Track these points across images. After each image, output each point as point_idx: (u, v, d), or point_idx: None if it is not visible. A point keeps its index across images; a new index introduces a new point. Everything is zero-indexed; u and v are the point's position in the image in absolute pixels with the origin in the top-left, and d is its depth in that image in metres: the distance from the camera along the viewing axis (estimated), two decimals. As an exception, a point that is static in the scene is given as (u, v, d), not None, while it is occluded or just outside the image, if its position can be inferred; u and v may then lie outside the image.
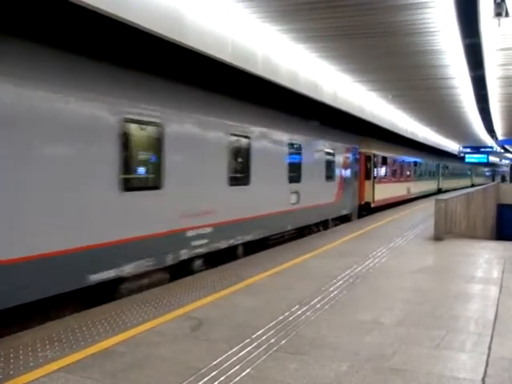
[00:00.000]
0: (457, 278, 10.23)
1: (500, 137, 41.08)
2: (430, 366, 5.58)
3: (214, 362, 5.54)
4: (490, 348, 6.17)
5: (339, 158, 20.69)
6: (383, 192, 27.82)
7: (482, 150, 46.79)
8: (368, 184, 25.67)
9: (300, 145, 16.47)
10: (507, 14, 9.81)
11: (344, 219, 21.57)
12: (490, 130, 35.73)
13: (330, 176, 19.43)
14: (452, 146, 49.18)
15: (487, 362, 5.70)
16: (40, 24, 9.22)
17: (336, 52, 14.23)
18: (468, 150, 47.24)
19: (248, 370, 5.35)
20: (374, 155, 26.58)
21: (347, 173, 21.87)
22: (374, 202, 25.87)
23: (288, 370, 5.38)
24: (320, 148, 18.55)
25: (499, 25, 10.25)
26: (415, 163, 37.74)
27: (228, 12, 10.60)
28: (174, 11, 9.07)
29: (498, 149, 49.46)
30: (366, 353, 5.93)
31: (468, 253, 13.58)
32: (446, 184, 51.59)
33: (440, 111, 26.77)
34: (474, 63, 14.96)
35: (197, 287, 8.97)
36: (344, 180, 21.22)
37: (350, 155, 22.29)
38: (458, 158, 54.86)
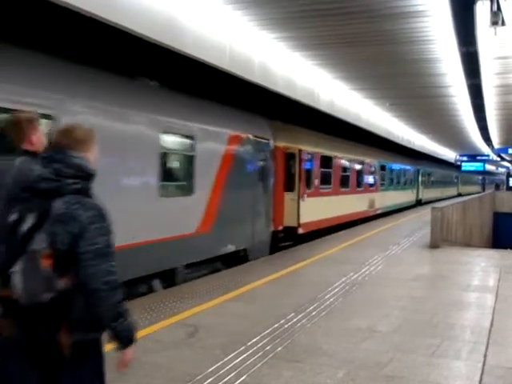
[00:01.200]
0: (453, 286, 10.24)
1: (496, 145, 41.21)
2: (425, 373, 5.58)
3: (210, 369, 5.53)
4: (485, 356, 6.17)
5: (214, 154, 11.80)
6: (320, 209, 18.66)
7: (479, 158, 46.84)
8: (290, 198, 16.26)
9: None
10: (503, 23, 9.86)
11: (231, 260, 12.52)
12: (487, 139, 35.85)
13: (179, 186, 10.99)
14: (449, 154, 49.25)
15: (483, 370, 5.70)
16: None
17: (333, 60, 14.28)
18: (465, 158, 47.22)
19: (243, 378, 5.33)
20: (303, 152, 16.98)
21: (239, 180, 12.78)
22: (300, 225, 16.45)
23: (283, 378, 5.37)
24: (141, 129, 9.40)
25: (495, 33, 10.30)
26: (383, 167, 28.69)
27: (226, 20, 10.63)
28: (172, 19, 9.09)
29: (495, 157, 49.59)
30: (361, 360, 5.92)
31: (464, 261, 13.58)
32: (427, 194, 42.45)
33: (437, 119, 26.87)
34: (471, 72, 15.04)
35: (192, 294, 8.95)
36: (228, 192, 12.14)
37: (246, 150, 13.15)
38: (441, 162, 50.00)
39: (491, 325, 7.51)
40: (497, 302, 8.92)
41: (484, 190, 76.17)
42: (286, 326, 7.19)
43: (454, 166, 53.85)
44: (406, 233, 19.56)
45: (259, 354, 6.06)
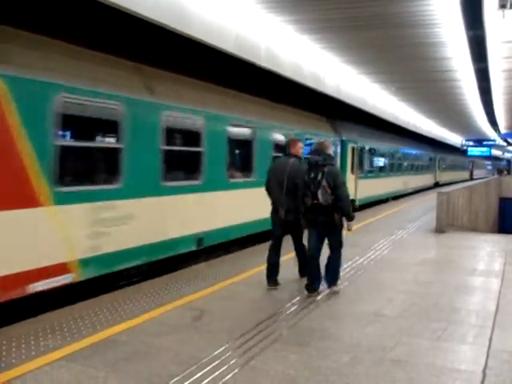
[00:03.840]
0: (458, 271, 10.23)
1: (503, 130, 40.99)
2: (431, 357, 5.59)
3: (215, 353, 5.55)
4: (490, 340, 6.18)
5: None
6: None
7: (485, 143, 46.54)
8: None
9: None
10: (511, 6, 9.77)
11: None
12: (493, 123, 35.66)
13: None
14: (455, 138, 49.01)
15: (488, 354, 5.71)
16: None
17: (340, 43, 14.19)
18: (471, 142, 46.89)
19: (249, 361, 5.36)
20: None
21: None
22: None
23: (289, 361, 5.39)
24: None
25: (503, 16, 10.21)
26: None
27: (232, 2, 10.56)
28: (177, 1, 9.03)
29: (501, 142, 49.33)
30: (367, 344, 5.94)
31: (470, 245, 13.57)
32: (369, 189, 24.50)
33: (443, 104, 26.73)
34: (478, 56, 14.91)
35: (198, 278, 8.98)
36: None
37: None
38: (410, 134, 33.23)
39: (497, 309, 7.52)
40: (502, 287, 8.93)
41: (472, 177, 65.21)
42: (291, 309, 7.21)
43: (430, 143, 42.29)
44: (412, 217, 19.54)
45: (265, 337, 6.08)
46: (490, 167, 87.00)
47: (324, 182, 7.54)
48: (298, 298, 7.76)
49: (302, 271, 8.83)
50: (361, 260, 10.83)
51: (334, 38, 13.54)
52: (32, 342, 5.78)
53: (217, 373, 5.05)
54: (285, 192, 8.27)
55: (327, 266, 8.26)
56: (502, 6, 9.70)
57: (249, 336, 6.11)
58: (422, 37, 13.18)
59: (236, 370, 5.11)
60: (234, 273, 9.42)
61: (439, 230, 15.60)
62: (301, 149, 8.76)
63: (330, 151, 8.16)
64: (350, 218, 7.90)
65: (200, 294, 7.94)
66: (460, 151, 51.21)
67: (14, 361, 5.26)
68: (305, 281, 8.20)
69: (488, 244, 14.13)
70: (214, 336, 6.12)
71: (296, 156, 8.60)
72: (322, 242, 8.08)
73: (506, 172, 60.03)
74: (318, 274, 8.16)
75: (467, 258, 11.85)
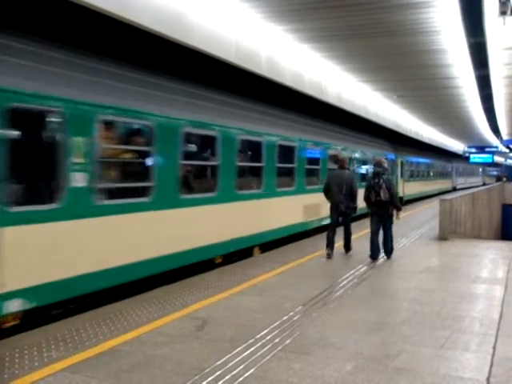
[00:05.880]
0: (462, 278, 10.20)
1: (505, 136, 40.98)
2: (435, 365, 5.56)
3: (218, 362, 5.54)
4: (494, 348, 6.15)
5: None
6: None
7: (487, 149, 46.47)
8: None
9: None
10: (512, 13, 9.78)
11: None
12: (495, 130, 35.66)
13: None
14: (457, 145, 48.92)
15: (492, 362, 5.68)
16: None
17: (341, 52, 14.24)
18: (473, 149, 46.78)
19: (252, 370, 5.34)
20: None
21: None
22: None
23: (292, 370, 5.37)
24: None
25: (504, 23, 10.23)
26: None
27: (233, 11, 10.60)
28: (177, 10, 9.07)
29: (503, 149, 49.26)
30: (370, 352, 5.92)
31: (473, 253, 13.53)
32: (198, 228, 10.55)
33: (444, 111, 26.77)
34: (479, 62, 14.94)
35: (201, 287, 8.97)
36: None
37: None
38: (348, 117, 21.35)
39: (500, 316, 7.48)
40: (506, 294, 8.89)
41: (455, 187, 50.31)
42: (294, 318, 7.19)
43: (391, 136, 28.55)
44: (414, 225, 19.49)
45: (268, 346, 6.07)
46: (480, 173, 75.23)
47: (384, 185, 11.61)
48: (300, 307, 7.75)
49: (348, 248, 12.78)
50: (364, 268, 10.81)
51: (334, 46, 13.58)
52: (35, 353, 5.78)
53: (219, 383, 5.03)
54: (344, 193, 12.24)
55: (384, 242, 12.02)
56: (503, 13, 9.71)
57: (252, 345, 6.09)
58: (422, 44, 13.22)
59: (239, 380, 5.10)
60: (236, 282, 9.40)
61: (442, 237, 15.56)
62: (345, 162, 13.30)
63: (385, 165, 12.31)
64: (399, 209, 12.31)
65: (203, 303, 7.92)
66: (439, 151, 44.28)
67: (17, 372, 5.26)
68: (348, 255, 12.51)
69: (491, 251, 14.09)
70: (216, 345, 6.11)
71: (349, 169, 13.43)
72: (380, 224, 11.94)
73: (505, 179, 59.48)
74: (378, 247, 11.87)
75: (470, 265, 11.82)
